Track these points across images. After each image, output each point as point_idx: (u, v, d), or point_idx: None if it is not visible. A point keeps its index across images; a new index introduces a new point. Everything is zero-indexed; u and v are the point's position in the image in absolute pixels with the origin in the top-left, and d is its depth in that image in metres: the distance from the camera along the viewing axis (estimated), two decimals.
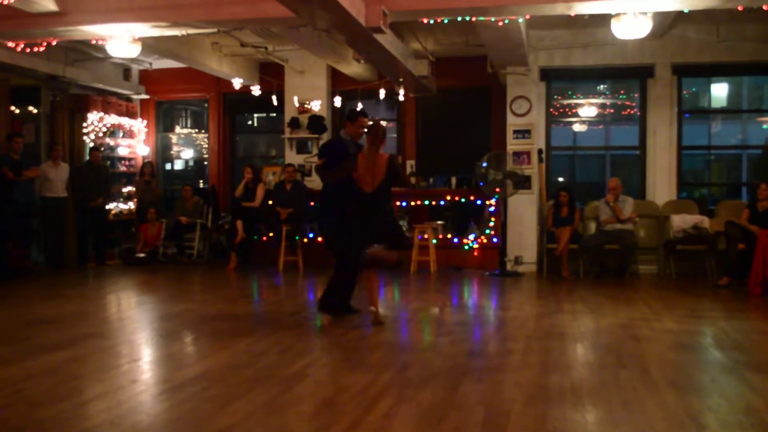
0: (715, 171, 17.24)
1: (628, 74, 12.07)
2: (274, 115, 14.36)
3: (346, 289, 7.10)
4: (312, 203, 11.68)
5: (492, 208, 11.45)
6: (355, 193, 6.81)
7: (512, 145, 11.46)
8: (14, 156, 10.65)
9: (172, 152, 15.44)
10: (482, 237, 11.54)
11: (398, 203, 11.35)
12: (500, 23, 8.58)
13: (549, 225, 10.93)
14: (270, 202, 11.83)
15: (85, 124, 12.46)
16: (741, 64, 11.40)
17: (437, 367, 5.26)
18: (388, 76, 11.77)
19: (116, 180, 13.20)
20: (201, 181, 15.14)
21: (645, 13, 8.40)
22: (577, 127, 13.59)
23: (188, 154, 15.67)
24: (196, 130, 15.58)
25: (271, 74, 13.23)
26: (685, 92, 12.23)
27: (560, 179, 13.33)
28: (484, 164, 10.81)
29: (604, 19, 9.08)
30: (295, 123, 13.12)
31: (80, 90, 12.64)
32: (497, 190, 10.78)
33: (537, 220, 11.41)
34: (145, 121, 14.33)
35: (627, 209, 10.51)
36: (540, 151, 11.51)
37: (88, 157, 12.26)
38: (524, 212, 11.37)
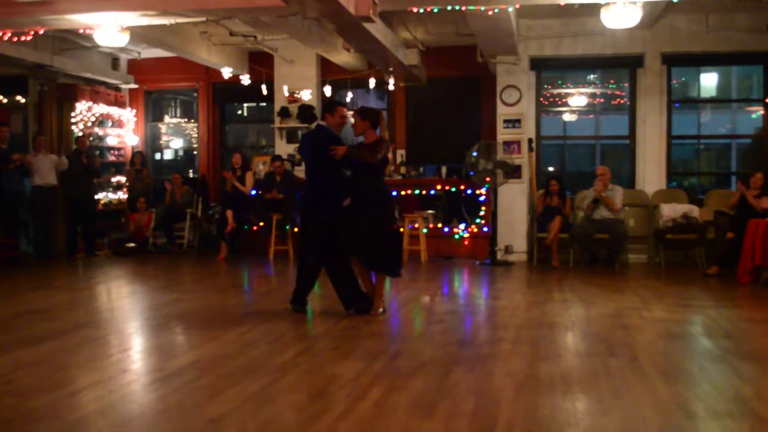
0: (704, 160, 17.32)
1: (617, 64, 12.08)
2: (264, 104, 14.32)
3: (313, 280, 7.01)
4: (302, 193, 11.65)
5: (482, 198, 11.47)
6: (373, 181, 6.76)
7: (502, 134, 11.46)
8: (1, 145, 10.58)
9: (161, 142, 15.37)
10: (473, 226, 11.55)
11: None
12: (490, 12, 8.56)
13: (538, 213, 10.94)
14: (260, 193, 11.79)
15: (73, 114, 12.37)
16: (730, 53, 11.41)
17: (428, 356, 5.27)
18: (378, 66, 11.74)
19: (105, 170, 13.12)
20: (191, 170, 15.10)
21: (634, 3, 8.40)
22: (567, 117, 13.60)
23: (178, 143, 15.62)
24: (186, 120, 15.52)
25: (261, 63, 13.17)
26: (674, 82, 12.27)
27: (550, 168, 13.35)
28: (475, 153, 10.81)
29: (593, 9, 9.07)
30: (284, 112, 13.08)
31: (68, 79, 12.54)
32: (487, 179, 10.78)
33: (527, 209, 11.43)
34: (134, 111, 14.24)
35: (617, 198, 10.53)
36: (530, 141, 11.52)
37: (75, 146, 12.18)
38: (514, 202, 11.38)
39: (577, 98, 13.30)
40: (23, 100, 12.31)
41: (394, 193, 11.68)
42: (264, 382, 4.59)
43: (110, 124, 13.50)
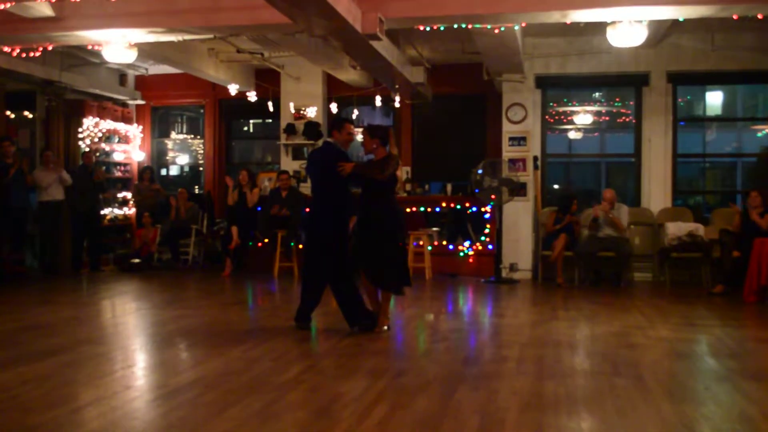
0: (710, 179, 17.26)
1: (623, 82, 12.08)
2: (270, 121, 14.37)
3: (318, 298, 6.97)
4: (308, 209, 11.65)
5: (487, 215, 11.46)
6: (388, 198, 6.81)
7: (508, 152, 11.48)
8: (7, 160, 10.63)
9: (167, 158, 15.43)
10: (477, 244, 11.54)
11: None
12: (496, 31, 8.60)
13: (554, 230, 10.76)
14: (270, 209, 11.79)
15: (80, 130, 12.45)
16: (736, 72, 11.44)
17: (432, 375, 5.25)
18: (384, 83, 11.79)
19: (111, 185, 13.16)
20: (196, 186, 15.13)
21: (640, 22, 8.43)
22: (573, 135, 13.61)
23: (184, 159, 15.66)
24: (192, 136, 15.57)
25: (267, 80, 13.24)
26: (680, 100, 12.26)
27: (555, 186, 13.34)
28: (480, 171, 10.83)
29: (599, 27, 9.10)
30: (290, 129, 13.12)
31: (76, 95, 12.64)
32: (493, 197, 10.79)
33: (532, 227, 11.42)
34: (141, 127, 14.33)
35: (623, 218, 10.51)
36: (535, 158, 11.54)
37: (81, 161, 12.22)
38: (519, 219, 11.39)
39: (583, 116, 13.30)
40: (31, 116, 12.38)
41: None
42: (268, 399, 4.58)
43: (117, 139, 13.56)
